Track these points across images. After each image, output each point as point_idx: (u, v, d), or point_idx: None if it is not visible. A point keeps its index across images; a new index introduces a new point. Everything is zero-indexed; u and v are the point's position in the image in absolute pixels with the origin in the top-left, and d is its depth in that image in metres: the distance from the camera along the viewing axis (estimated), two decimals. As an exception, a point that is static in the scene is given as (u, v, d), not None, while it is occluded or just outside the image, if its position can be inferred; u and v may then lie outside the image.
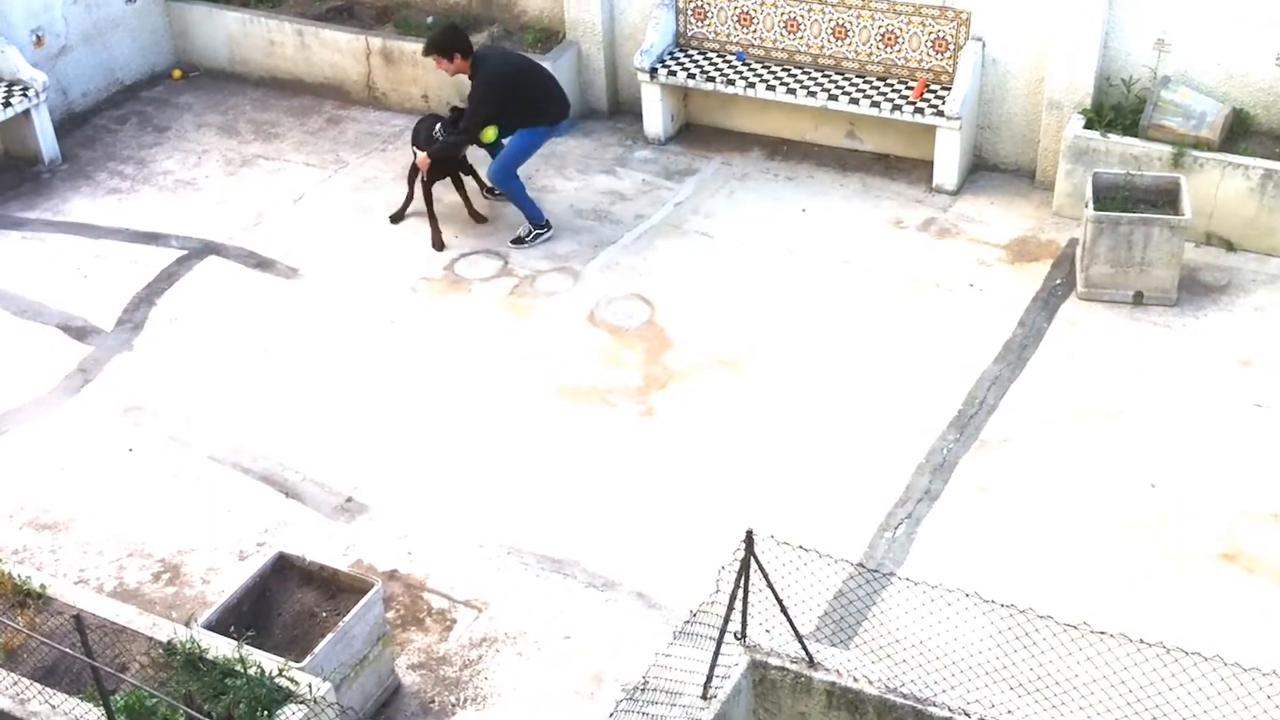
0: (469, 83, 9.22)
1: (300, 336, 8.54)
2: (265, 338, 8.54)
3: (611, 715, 5.21)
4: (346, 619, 5.88)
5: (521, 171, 9.36)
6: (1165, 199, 8.39)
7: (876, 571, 6.23)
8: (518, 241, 9.36)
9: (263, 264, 9.29)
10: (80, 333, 8.63)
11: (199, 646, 5.65)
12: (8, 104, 10.21)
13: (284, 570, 6.26)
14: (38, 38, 10.94)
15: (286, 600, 6.19)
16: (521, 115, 9.19)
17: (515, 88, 9.10)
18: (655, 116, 10.47)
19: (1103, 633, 5.28)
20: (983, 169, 9.88)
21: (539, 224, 9.40)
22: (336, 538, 7.00)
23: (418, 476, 7.37)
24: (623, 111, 10.93)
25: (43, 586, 6.21)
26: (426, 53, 9.17)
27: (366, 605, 6.02)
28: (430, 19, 11.23)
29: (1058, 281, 8.62)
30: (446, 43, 9.05)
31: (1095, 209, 8.25)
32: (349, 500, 7.25)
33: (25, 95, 10.33)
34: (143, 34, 11.80)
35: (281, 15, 11.54)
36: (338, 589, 6.18)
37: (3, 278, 9.23)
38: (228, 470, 7.46)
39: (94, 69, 11.48)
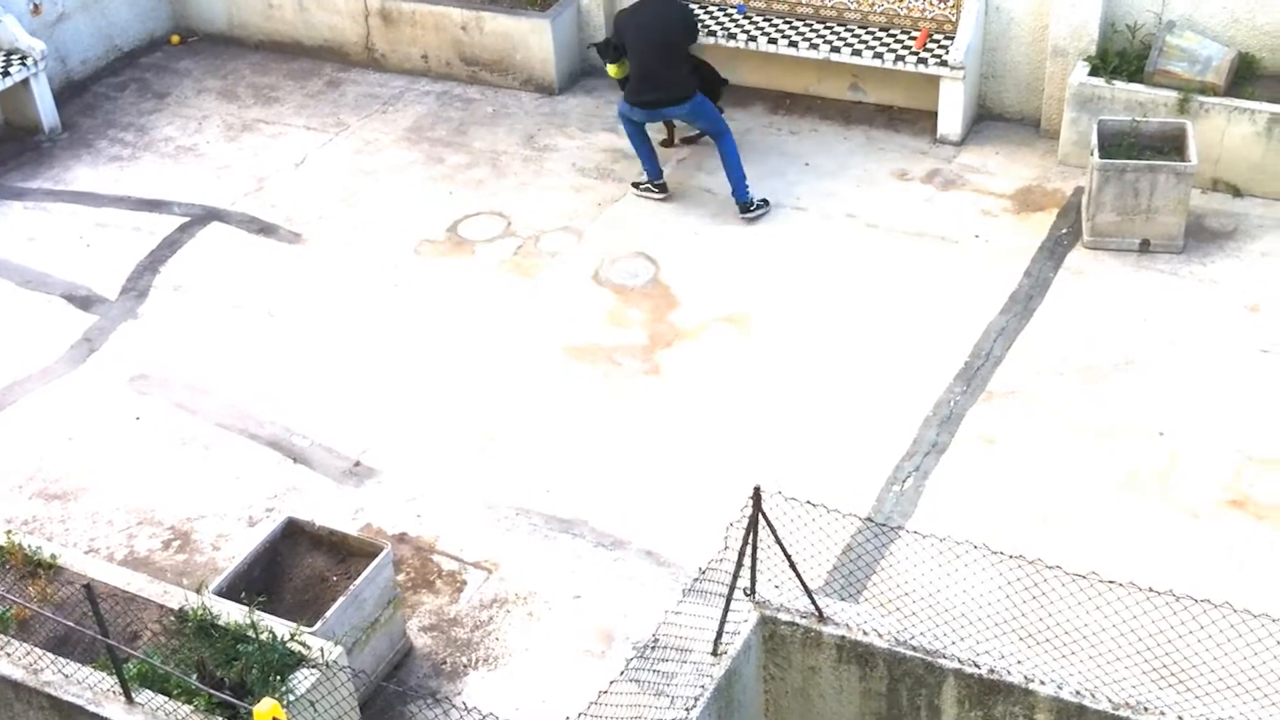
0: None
1: (305, 301, 8.53)
2: (270, 303, 8.53)
3: (622, 673, 5.23)
4: (357, 583, 5.90)
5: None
6: (1171, 145, 8.32)
7: (885, 525, 6.24)
8: (745, 209, 9.05)
9: (265, 229, 9.27)
10: (85, 302, 8.63)
11: (210, 613, 5.67)
12: (6, 73, 10.16)
13: (294, 535, 6.28)
14: (35, 5, 10.87)
15: (297, 565, 6.21)
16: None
17: None
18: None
19: (1111, 582, 5.29)
20: (987, 119, 9.81)
21: (655, 179, 9.27)
22: (345, 502, 7.01)
23: (425, 439, 7.38)
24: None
25: (53, 556, 6.23)
26: None
27: (377, 568, 6.04)
28: (429, -21, 11.13)
29: (1064, 231, 8.56)
30: None
31: (1101, 157, 8.18)
32: (357, 464, 7.26)
33: (24, 64, 10.28)
34: (140, 0, 11.72)
35: (279, -23, 11.47)
36: (348, 553, 6.20)
37: (6, 248, 9.23)
38: (235, 437, 7.47)
39: (92, 36, 11.42)
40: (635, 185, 9.37)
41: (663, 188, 9.27)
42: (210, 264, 8.93)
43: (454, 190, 9.52)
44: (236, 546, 6.68)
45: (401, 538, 6.78)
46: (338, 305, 8.47)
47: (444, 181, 9.61)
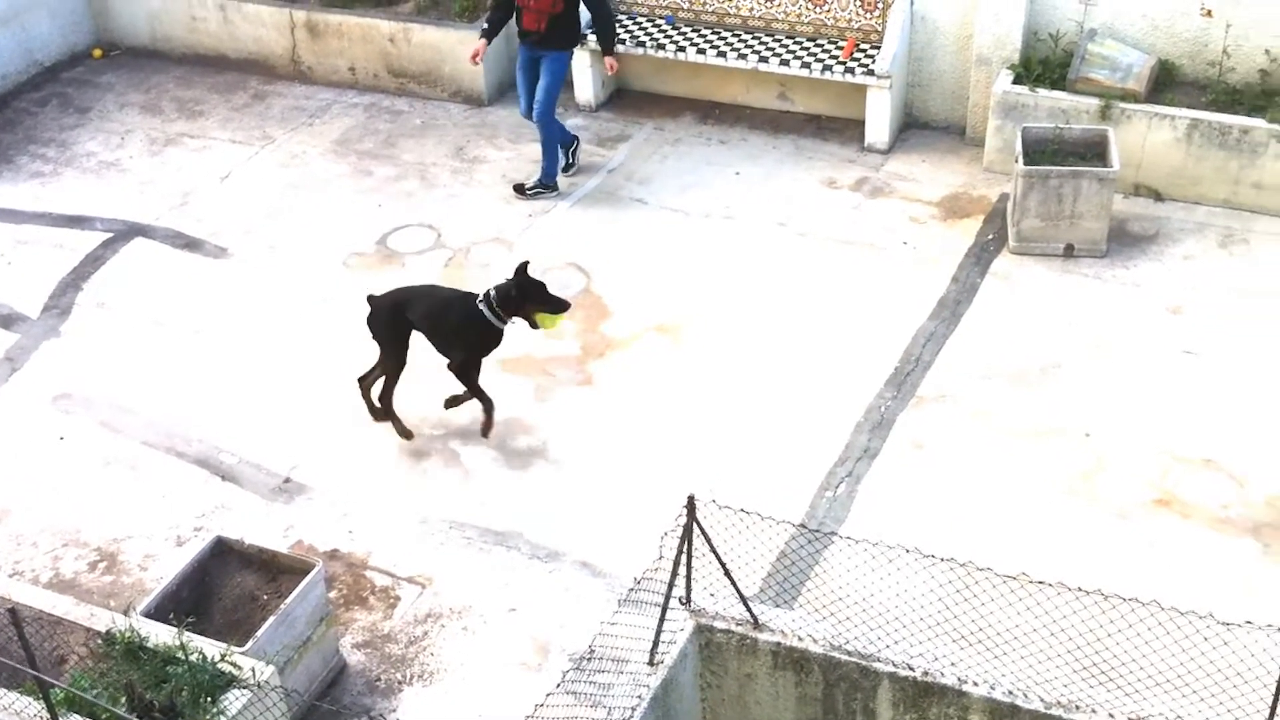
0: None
1: (231, 317, 8.42)
2: (195, 319, 8.41)
3: (559, 686, 5.20)
4: (288, 601, 5.83)
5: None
6: (1094, 151, 8.45)
7: (818, 531, 6.26)
8: (520, 189, 9.32)
9: (191, 244, 9.14)
10: (6, 320, 8.47)
11: (138, 635, 5.57)
12: (-78, 89, 9.98)
13: (223, 554, 6.20)
14: (-50, 20, 10.70)
15: (226, 585, 6.12)
16: (576, 27, 9.13)
17: None
18: (586, 83, 10.40)
19: (1041, 582, 5.33)
20: (914, 127, 9.91)
21: (551, 182, 9.36)
22: (276, 519, 6.93)
23: (357, 454, 7.31)
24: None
25: (-24, 580, 6.11)
26: None
27: (308, 586, 5.96)
28: (355, -11, 11.07)
29: (990, 237, 8.67)
30: None
31: (1025, 163, 8.29)
32: (287, 481, 7.17)
33: (-60, 79, 10.09)
34: (61, 13, 11.55)
35: (202, -10, 11.35)
36: (278, 571, 6.12)
37: (-77, 267, 9.04)
38: (162, 455, 7.36)
39: (12, 50, 11.22)
40: (523, 190, 9.38)
41: (556, 185, 9.44)
42: (134, 280, 8.80)
43: (383, 203, 9.45)
44: (164, 567, 6.57)
45: (333, 554, 6.71)
46: (265, 320, 8.37)
47: (373, 194, 9.54)
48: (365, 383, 7.43)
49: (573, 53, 9.29)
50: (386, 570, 6.62)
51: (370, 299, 7.30)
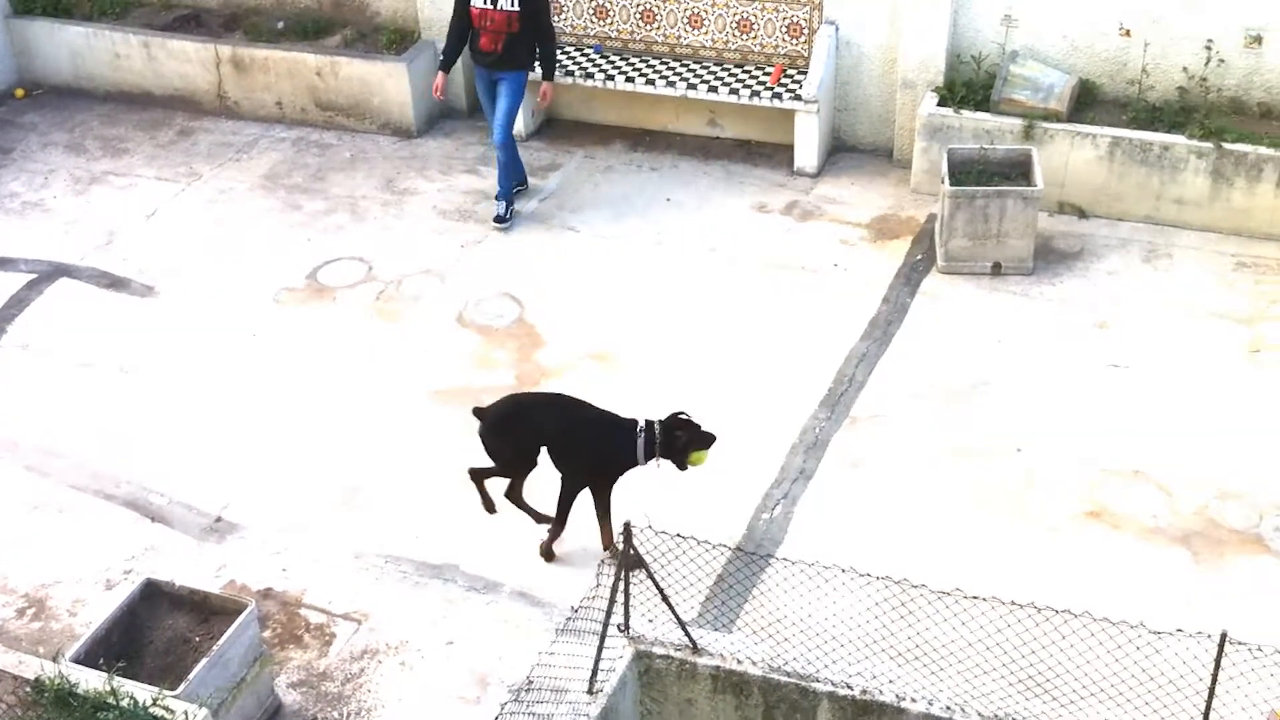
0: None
1: (160, 355, 8.31)
2: (123, 359, 8.30)
3: (498, 718, 5.17)
4: (220, 642, 5.74)
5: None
6: (1018, 171, 8.57)
7: (755, 554, 6.27)
8: (501, 220, 9.36)
9: (117, 284, 9.03)
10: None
11: (68, 682, 5.47)
12: None
13: (153, 597, 6.10)
14: None
15: (158, 628, 6.02)
16: (532, 48, 9.16)
17: None
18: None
19: (976, 597, 5.38)
20: (842, 150, 10.00)
21: (508, 206, 9.43)
22: (207, 559, 6.82)
23: (290, 491, 7.22)
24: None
25: (-103, 631, 5.98)
26: None
27: (241, 626, 5.88)
28: (281, 24, 11.02)
29: (919, 257, 8.75)
30: None
31: (951, 184, 8.39)
32: (218, 520, 7.07)
33: None
34: (-20, 53, 11.42)
35: (126, 27, 11.22)
36: (210, 612, 6.03)
37: None
38: (90, 498, 7.23)
39: (-69, 92, 11.08)
40: (504, 219, 9.40)
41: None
42: (60, 321, 8.66)
43: (313, 237, 9.39)
44: (94, 611, 6.44)
45: (267, 593, 6.62)
46: (194, 358, 8.27)
47: (302, 228, 9.48)
48: (479, 476, 6.70)
49: (526, 76, 9.31)
50: (321, 607, 6.54)
51: (480, 413, 6.49)
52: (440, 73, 9.32)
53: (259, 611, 6.22)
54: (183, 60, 11.03)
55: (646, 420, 6.40)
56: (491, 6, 8.92)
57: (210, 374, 8.13)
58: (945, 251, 8.51)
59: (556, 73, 9.84)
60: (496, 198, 9.45)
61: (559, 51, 10.23)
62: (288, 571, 6.74)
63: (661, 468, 6.44)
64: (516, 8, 8.91)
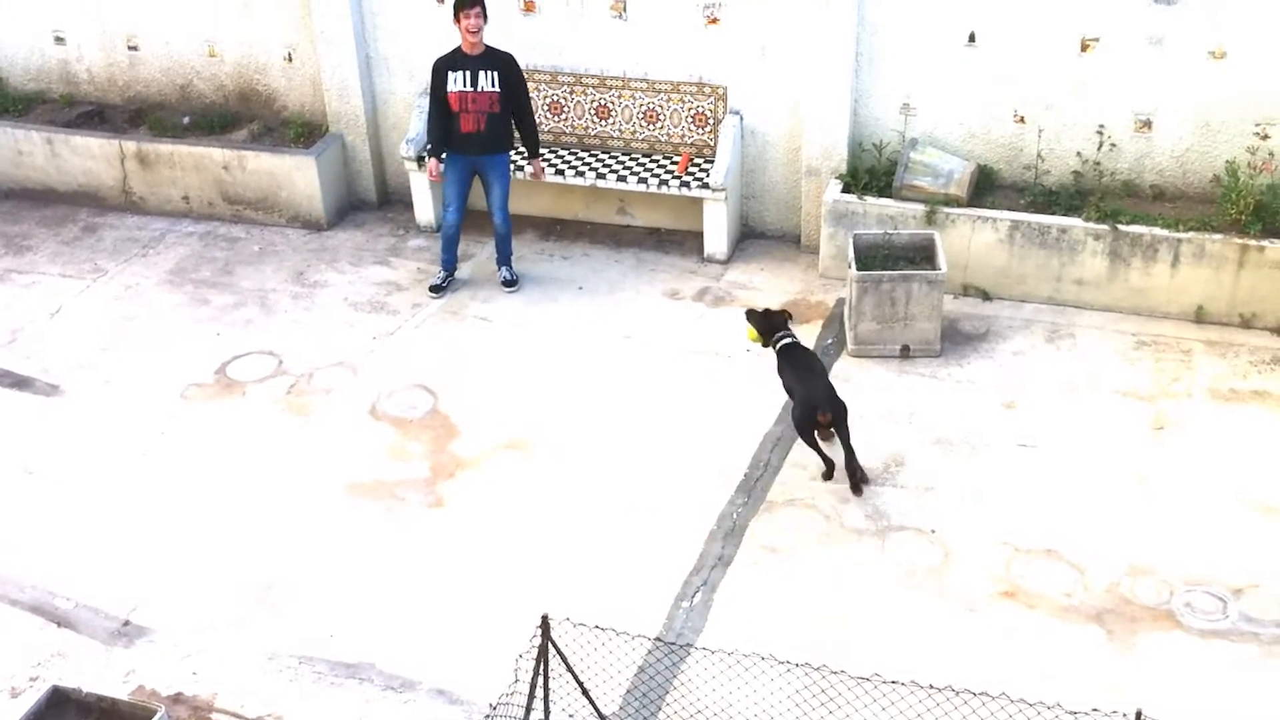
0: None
1: (65, 456, 8.14)
2: (26, 460, 8.10)
3: (416, 821, 5.06)
4: (128, 751, 5.60)
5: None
6: (922, 255, 8.75)
7: (675, 644, 6.25)
8: (510, 283, 9.63)
9: (20, 383, 8.84)
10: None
11: (-33, 798, 5.28)
12: None
13: (60, 704, 5.97)
14: None
15: (64, 736, 5.87)
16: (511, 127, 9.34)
17: None
18: (426, 204, 10.43)
19: (895, 682, 5.40)
20: (751, 236, 10.15)
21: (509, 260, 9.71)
22: (116, 665, 6.64)
23: (201, 591, 7.07)
24: (392, 201, 10.87)
25: None
26: (470, 4, 8.87)
27: (150, 733, 5.75)
28: (186, 119, 10.98)
29: (829, 340, 8.87)
30: None
31: (858, 269, 8.54)
32: (126, 623, 6.90)
33: None
34: (-124, 150, 11.21)
35: (28, 124, 11.11)
36: (119, 719, 5.88)
37: None
38: (-8, 604, 7.03)
39: None
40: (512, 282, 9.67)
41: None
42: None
43: (221, 331, 9.29)
44: (-3, 722, 6.25)
45: (177, 698, 6.45)
46: (101, 457, 8.11)
47: (210, 323, 9.38)
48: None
49: (510, 153, 9.43)
50: (233, 712, 6.38)
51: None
52: (432, 159, 9.35)
53: (169, 717, 6.07)
54: (86, 156, 10.93)
55: None
56: (472, 89, 9.03)
57: (118, 473, 7.97)
58: (855, 335, 8.64)
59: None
60: (499, 264, 9.69)
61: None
62: (199, 675, 6.58)
63: None
64: (498, 88, 9.02)
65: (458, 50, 9.11)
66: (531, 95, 9.74)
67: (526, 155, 9.60)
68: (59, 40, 11.33)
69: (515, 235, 10.25)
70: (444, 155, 9.37)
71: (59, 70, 11.45)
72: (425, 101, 10.23)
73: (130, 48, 11.17)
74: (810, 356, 7.91)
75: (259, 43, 10.80)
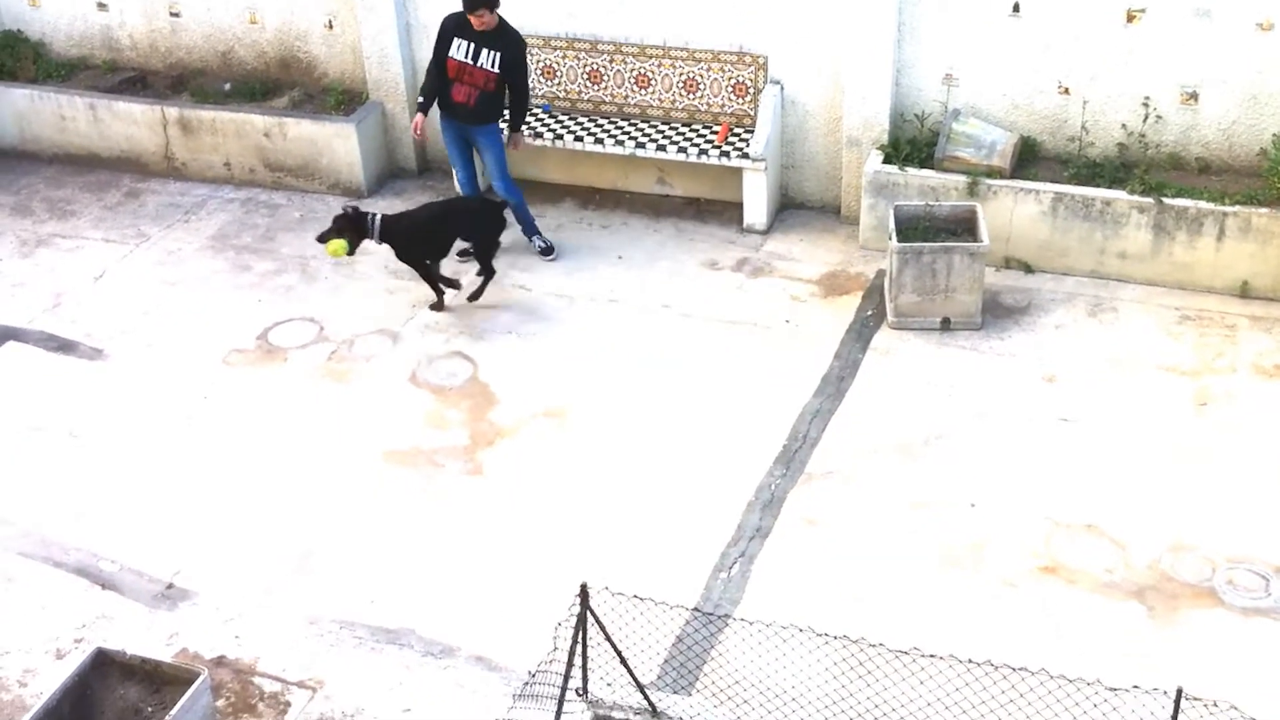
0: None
1: (109, 419, 8.22)
2: (71, 423, 8.20)
3: (456, 786, 5.12)
4: (173, 712, 5.67)
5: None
6: (964, 227, 8.69)
7: (713, 614, 6.26)
8: (547, 252, 9.67)
9: (64, 346, 8.93)
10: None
11: (15, 756, 5.37)
12: None
13: (104, 666, 6.03)
14: None
15: (109, 698, 5.95)
16: (502, 101, 9.29)
17: None
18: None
19: (933, 655, 5.40)
20: (791, 207, 10.11)
21: (542, 241, 9.71)
22: (159, 627, 6.73)
23: (242, 555, 7.15)
24: (432, 169, 10.88)
25: None
26: (475, 7, 8.78)
27: (193, 696, 5.81)
28: (227, 86, 11.02)
29: (869, 313, 8.84)
30: None
31: (898, 240, 8.50)
32: (170, 587, 6.98)
33: None
34: (-77, 116, 11.31)
35: (71, 90, 11.18)
36: (162, 681, 5.97)
37: None
38: (39, 565, 7.11)
39: (-128, 154, 10.95)
40: (549, 249, 9.70)
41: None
42: (7, 385, 8.55)
43: (263, 298, 9.35)
44: (44, 681, 6.33)
45: (220, 661, 6.53)
46: (144, 421, 8.19)
47: (252, 289, 9.44)
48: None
49: (499, 123, 9.42)
50: (275, 675, 6.46)
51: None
52: (419, 114, 9.34)
53: (212, 680, 6.15)
54: (129, 122, 10.99)
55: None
56: (471, 62, 9.00)
57: (160, 437, 8.05)
58: (895, 307, 8.60)
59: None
60: (527, 235, 9.68)
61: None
62: (240, 639, 6.65)
63: None
64: (496, 69, 8.98)
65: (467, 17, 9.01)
66: (570, 66, 9.71)
67: (509, 125, 9.47)
68: (101, 6, 11.38)
69: (553, 204, 10.29)
70: (429, 113, 9.37)
71: (101, 36, 11.50)
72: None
73: (172, 14, 11.21)
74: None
75: (299, 10, 10.81)
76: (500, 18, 9.01)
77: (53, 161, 11.29)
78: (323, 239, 8.72)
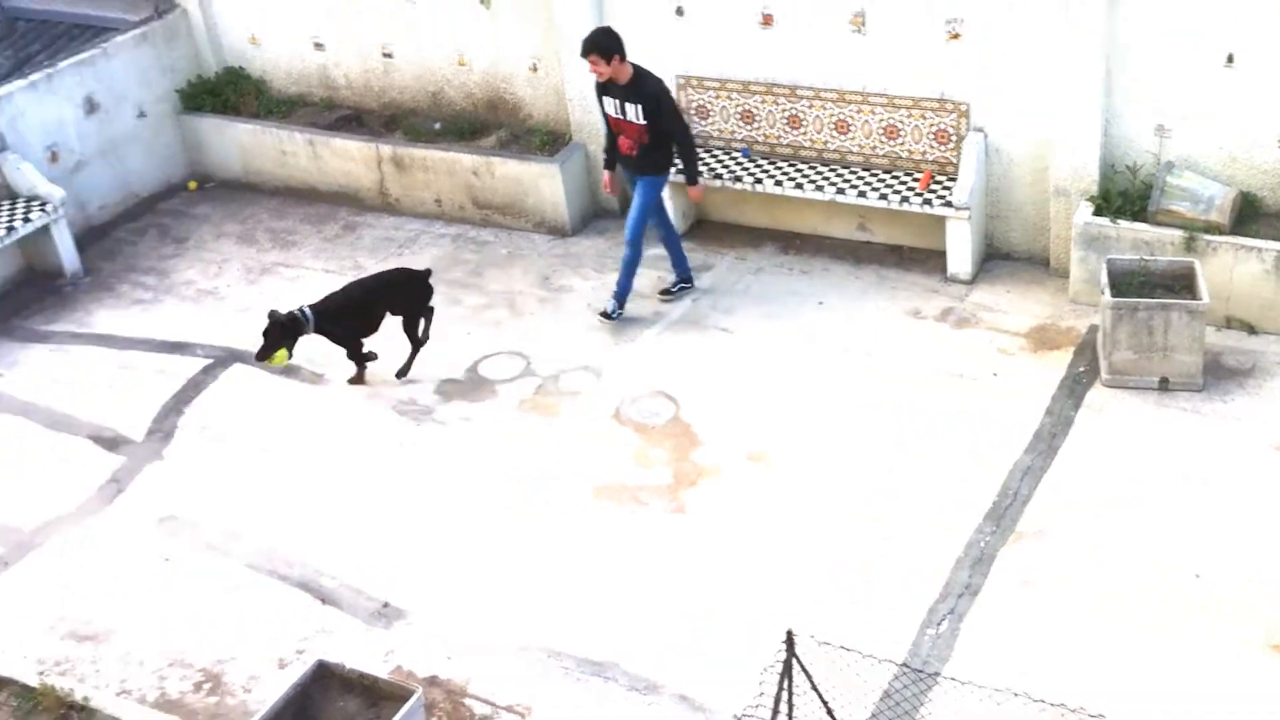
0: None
1: (327, 442, 8.56)
2: (293, 444, 8.56)
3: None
4: (391, 728, 5.85)
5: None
6: (1181, 283, 8.47)
7: (921, 671, 6.20)
8: (606, 316, 9.57)
9: (288, 370, 9.33)
10: (111, 443, 8.66)
11: (247, 761, 5.61)
12: (27, 219, 10.33)
13: (324, 678, 6.26)
14: (53, 154, 11.09)
15: (328, 709, 6.18)
16: (667, 156, 9.36)
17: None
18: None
19: (1156, 727, 5.25)
20: (996, 257, 9.98)
21: (620, 303, 9.60)
22: (375, 644, 6.96)
23: (454, 579, 7.36)
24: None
25: (85, 699, 6.21)
26: (585, 53, 9.01)
27: (408, 713, 6.00)
28: (438, 125, 11.39)
29: (1081, 369, 8.66)
30: (609, 43, 9.02)
31: (1112, 295, 8.32)
32: (386, 605, 7.22)
33: (44, 210, 10.46)
34: (156, 147, 11.95)
35: (291, 126, 11.70)
36: (378, 697, 6.17)
37: (32, 390, 9.30)
38: (264, 578, 7.45)
39: (110, 182, 11.61)
40: (670, 291, 9.74)
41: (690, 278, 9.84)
42: (234, 405, 8.97)
43: (472, 330, 9.63)
44: (267, 690, 6.62)
45: (433, 680, 6.72)
46: (361, 446, 8.51)
47: (462, 322, 9.72)
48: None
49: (664, 179, 9.56)
50: (485, 699, 6.62)
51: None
52: (606, 170, 9.58)
53: (425, 699, 6.33)
54: (346, 158, 11.45)
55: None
56: (622, 117, 9.21)
57: (376, 462, 8.35)
58: (1109, 364, 8.42)
59: (705, 174, 10.03)
60: (614, 295, 9.62)
61: (708, 154, 10.41)
62: (453, 660, 6.84)
63: None
64: (643, 121, 9.16)
65: None
66: (769, 110, 9.77)
67: (685, 176, 9.55)
68: (318, 46, 11.90)
69: (754, 247, 10.36)
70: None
71: (318, 75, 12.02)
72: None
73: (385, 55, 11.65)
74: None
75: (505, 54, 11.11)
76: (635, 68, 9.15)
77: (274, 193, 11.83)
78: (263, 356, 8.62)
